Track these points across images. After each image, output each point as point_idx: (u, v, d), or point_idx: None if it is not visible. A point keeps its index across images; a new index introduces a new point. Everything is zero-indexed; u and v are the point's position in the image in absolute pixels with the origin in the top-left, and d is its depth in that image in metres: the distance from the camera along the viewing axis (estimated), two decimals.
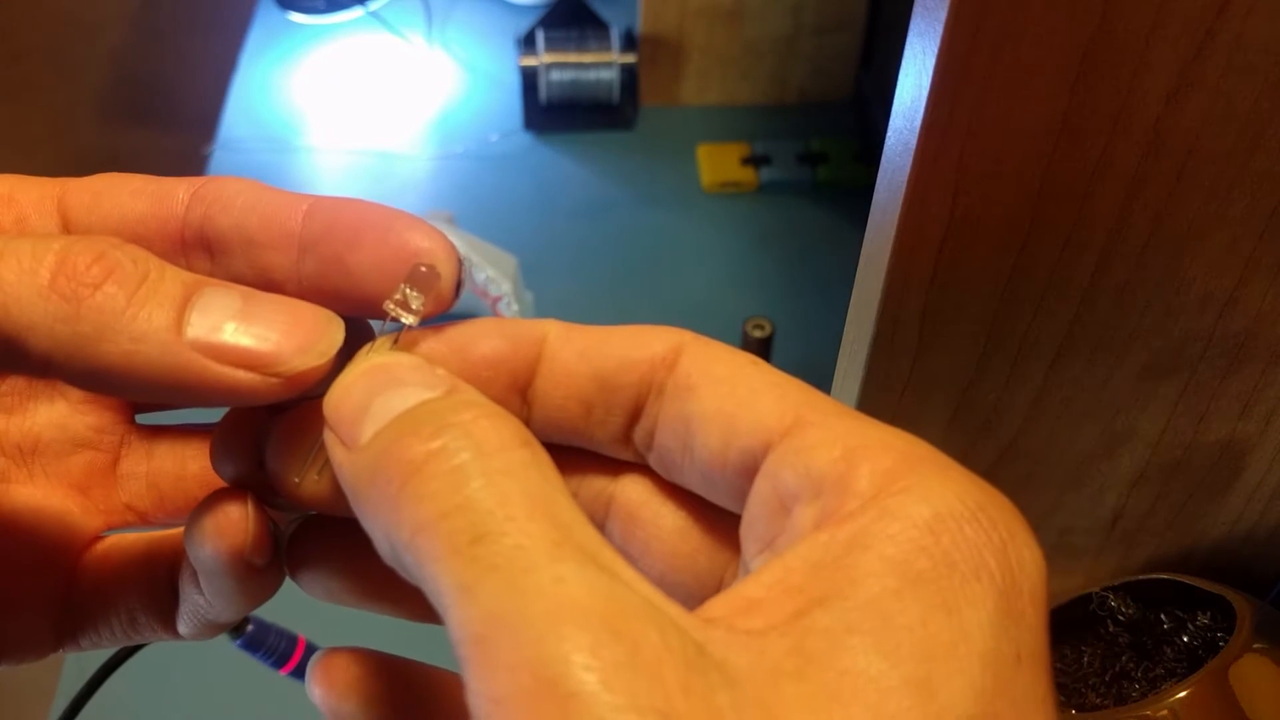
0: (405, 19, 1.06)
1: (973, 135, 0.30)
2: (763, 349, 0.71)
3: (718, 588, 0.22)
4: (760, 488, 0.19)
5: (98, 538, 0.25)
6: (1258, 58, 0.29)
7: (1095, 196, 0.32)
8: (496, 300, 0.74)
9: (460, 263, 0.21)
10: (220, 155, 0.95)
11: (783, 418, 0.19)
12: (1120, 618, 0.49)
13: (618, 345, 0.21)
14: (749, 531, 0.20)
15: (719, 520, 0.22)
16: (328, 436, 0.19)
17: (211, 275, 0.22)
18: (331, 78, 1.02)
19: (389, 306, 0.21)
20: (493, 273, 0.74)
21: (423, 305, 0.21)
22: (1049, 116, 0.29)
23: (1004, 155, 0.30)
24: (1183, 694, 0.42)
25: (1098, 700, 0.47)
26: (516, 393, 0.22)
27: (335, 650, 0.21)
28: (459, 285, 0.21)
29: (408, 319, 0.21)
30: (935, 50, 0.28)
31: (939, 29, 0.27)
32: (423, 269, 0.21)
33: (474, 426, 0.17)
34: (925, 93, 0.28)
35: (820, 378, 0.41)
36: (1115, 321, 0.36)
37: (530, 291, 0.79)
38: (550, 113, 0.97)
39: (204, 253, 0.22)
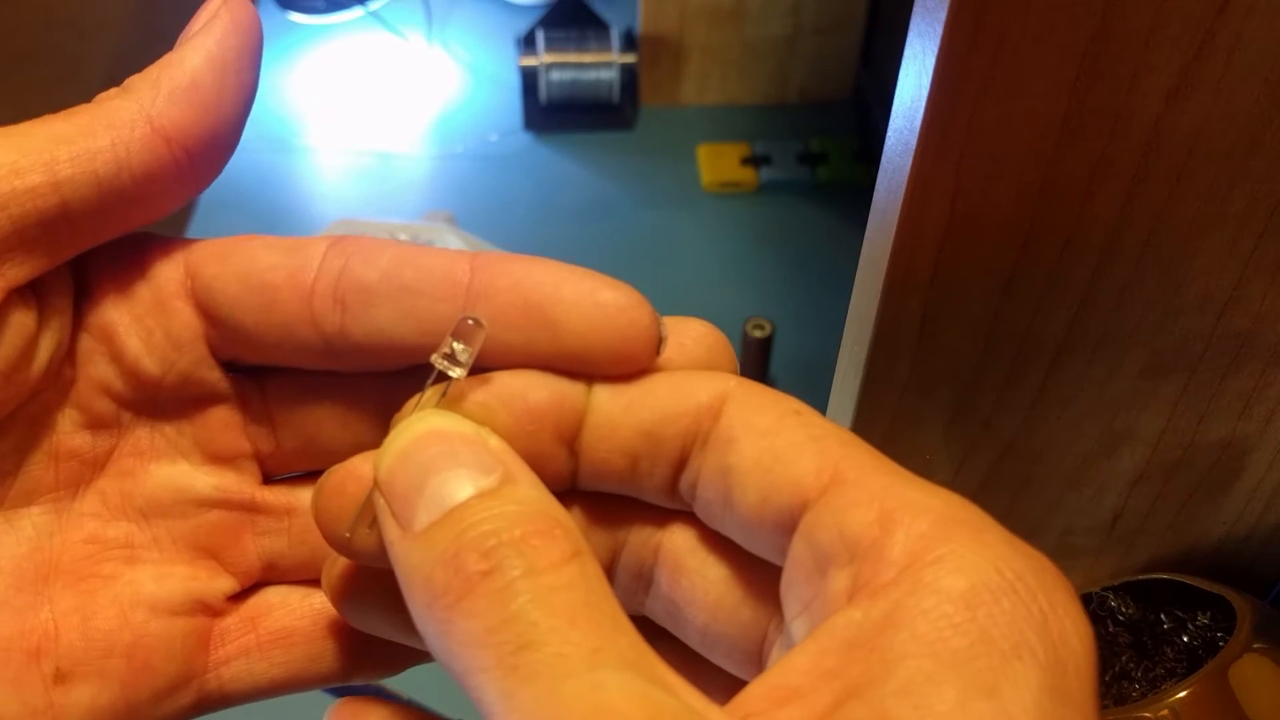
0: (405, 19, 1.06)
1: (973, 135, 0.29)
2: (763, 349, 0.71)
3: (761, 640, 0.22)
4: (797, 548, 0.19)
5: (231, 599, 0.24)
6: (1258, 58, 0.29)
7: (1095, 196, 0.32)
8: None
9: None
10: None
11: (820, 475, 0.19)
12: (1120, 618, 0.49)
13: (663, 396, 0.21)
14: (788, 592, 0.20)
15: (763, 572, 0.21)
16: (379, 503, 0.19)
17: (344, 326, 0.22)
18: (331, 78, 1.02)
19: (436, 360, 0.20)
20: None
21: (470, 358, 0.21)
22: (1049, 116, 0.29)
23: (1004, 155, 0.30)
24: (1183, 694, 0.42)
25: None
26: (563, 444, 0.21)
27: (356, 698, 0.21)
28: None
29: (455, 372, 0.20)
30: (935, 50, 0.28)
31: (939, 29, 0.27)
32: (469, 321, 0.21)
33: (526, 545, 0.17)
34: (925, 93, 0.28)
35: (820, 378, 0.41)
36: (1115, 321, 0.36)
37: None
38: (550, 113, 0.97)
39: (336, 305, 0.22)
